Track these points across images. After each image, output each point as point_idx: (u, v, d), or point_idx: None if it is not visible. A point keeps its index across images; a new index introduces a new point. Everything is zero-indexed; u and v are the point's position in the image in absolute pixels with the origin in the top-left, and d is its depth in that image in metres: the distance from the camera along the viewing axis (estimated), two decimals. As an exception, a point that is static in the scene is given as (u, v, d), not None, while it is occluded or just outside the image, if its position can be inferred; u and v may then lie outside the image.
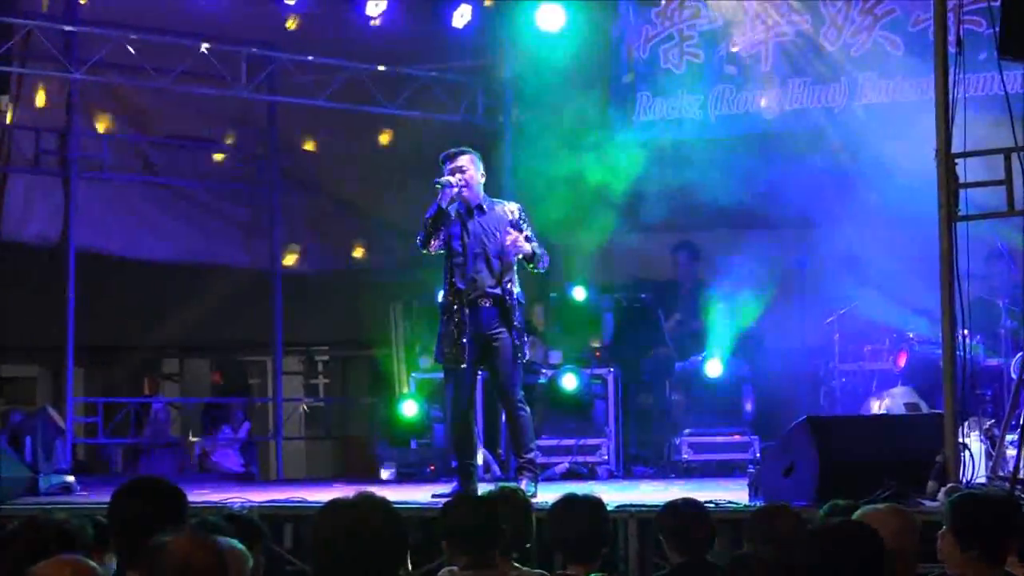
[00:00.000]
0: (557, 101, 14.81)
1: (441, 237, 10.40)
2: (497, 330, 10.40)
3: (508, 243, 10.34)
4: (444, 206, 10.38)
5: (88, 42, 14.60)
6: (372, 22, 15.23)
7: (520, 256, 10.41)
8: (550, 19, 14.92)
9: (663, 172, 14.18)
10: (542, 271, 10.76)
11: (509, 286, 10.43)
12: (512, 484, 9.07)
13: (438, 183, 10.40)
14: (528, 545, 6.92)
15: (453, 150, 10.65)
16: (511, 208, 10.58)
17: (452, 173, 10.44)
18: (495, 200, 10.67)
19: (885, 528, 5.18)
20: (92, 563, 4.58)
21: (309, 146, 16.85)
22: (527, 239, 10.41)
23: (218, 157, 16.73)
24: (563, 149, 14.33)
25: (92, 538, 5.56)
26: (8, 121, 15.13)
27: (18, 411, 15.93)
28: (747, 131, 14.62)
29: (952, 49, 9.14)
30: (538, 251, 10.45)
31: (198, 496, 10.08)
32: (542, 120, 14.90)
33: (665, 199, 14.18)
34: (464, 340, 10.32)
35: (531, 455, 10.56)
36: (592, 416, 13.89)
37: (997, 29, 9.15)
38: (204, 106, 15.99)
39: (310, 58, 15.33)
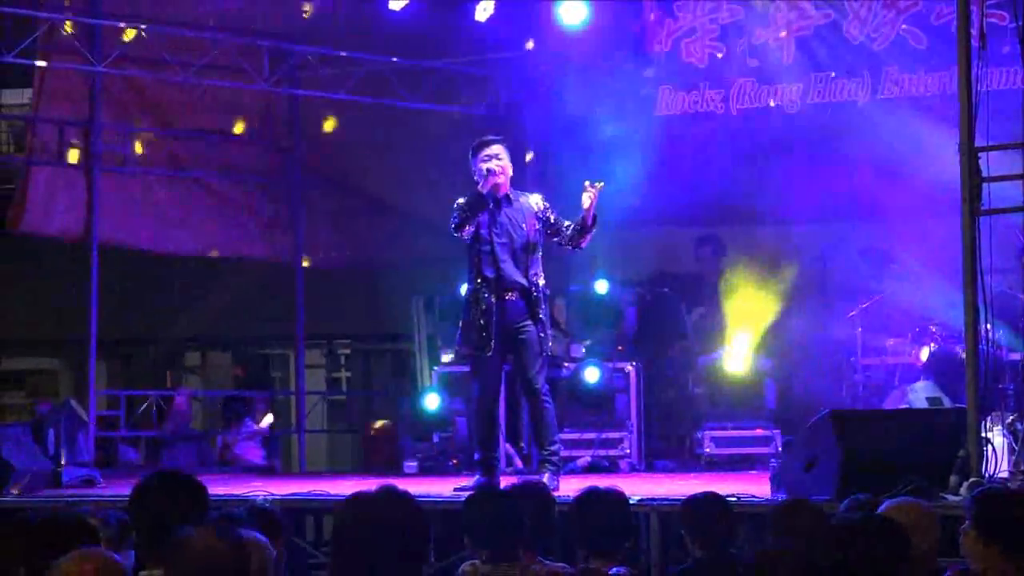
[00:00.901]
0: (578, 96, 14.79)
1: (472, 224, 10.40)
2: (523, 322, 10.37)
3: (587, 197, 10.28)
4: (484, 192, 10.37)
5: (111, 36, 14.64)
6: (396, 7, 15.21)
7: (584, 215, 10.34)
8: (572, 13, 14.88)
9: (685, 165, 14.14)
10: (584, 247, 10.71)
11: (535, 278, 10.41)
12: (534, 478, 9.08)
13: (483, 169, 10.37)
14: (551, 539, 6.92)
15: (485, 138, 10.61)
16: (536, 199, 10.56)
17: (487, 160, 10.42)
18: (519, 192, 10.65)
19: (906, 523, 5.18)
20: (116, 557, 4.59)
21: (331, 139, 16.81)
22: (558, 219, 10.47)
23: (241, 151, 16.70)
24: (584, 143, 14.31)
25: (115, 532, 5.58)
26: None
27: (45, 403, 15.98)
28: (769, 124, 14.57)
29: (975, 43, 9.09)
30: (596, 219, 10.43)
31: (220, 489, 10.09)
32: (563, 114, 14.88)
33: (687, 192, 14.14)
34: (491, 328, 10.31)
35: (554, 448, 10.53)
36: (614, 409, 13.86)
37: (1021, 24, 9.11)
38: (226, 99, 16.01)
39: (332, 51, 15.35)
